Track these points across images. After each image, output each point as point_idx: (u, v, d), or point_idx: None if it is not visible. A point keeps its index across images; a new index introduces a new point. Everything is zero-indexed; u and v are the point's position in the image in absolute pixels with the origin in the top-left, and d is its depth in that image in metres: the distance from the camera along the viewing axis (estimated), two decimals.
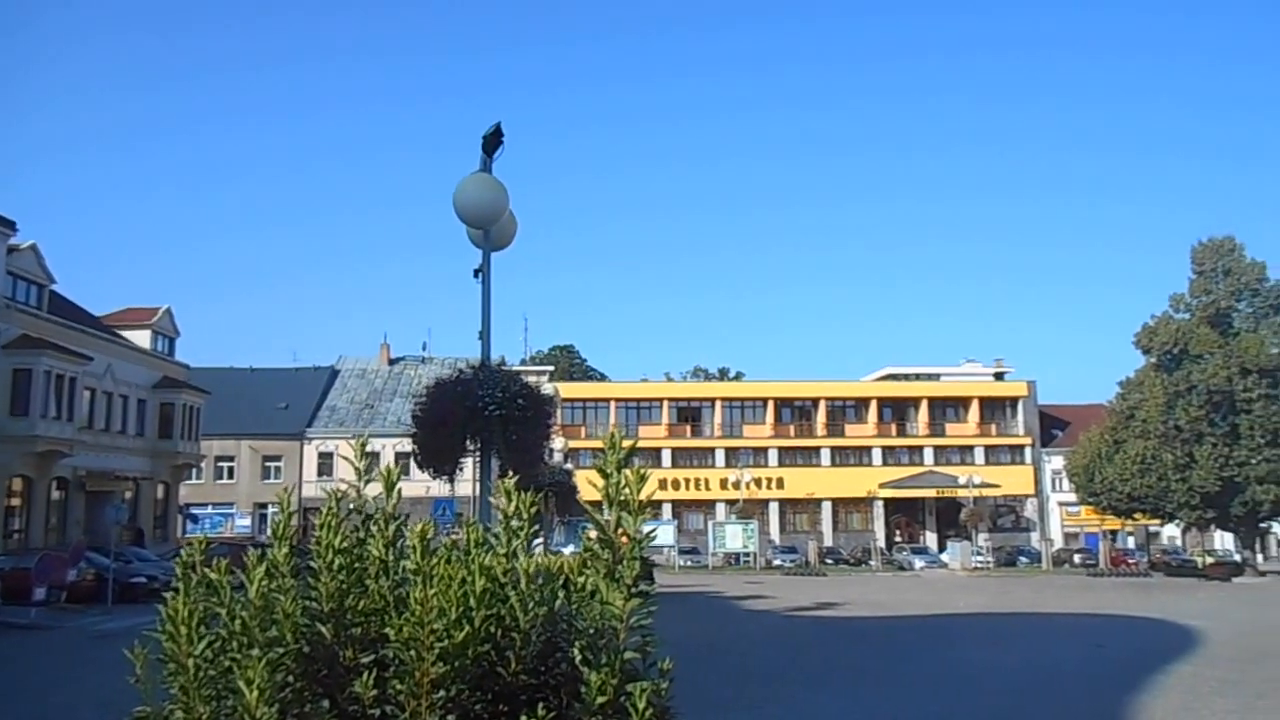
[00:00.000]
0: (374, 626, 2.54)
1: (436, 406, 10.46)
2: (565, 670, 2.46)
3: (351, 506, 2.84)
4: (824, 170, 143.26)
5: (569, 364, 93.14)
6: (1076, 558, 61.71)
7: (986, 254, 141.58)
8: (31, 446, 32.06)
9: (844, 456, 70.66)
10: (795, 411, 73.04)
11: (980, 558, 60.08)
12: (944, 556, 60.92)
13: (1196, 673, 15.15)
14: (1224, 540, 62.45)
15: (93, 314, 40.34)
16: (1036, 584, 44.57)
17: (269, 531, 2.71)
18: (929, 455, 70.85)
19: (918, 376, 76.60)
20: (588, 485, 3.96)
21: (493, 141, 9.82)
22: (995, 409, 73.76)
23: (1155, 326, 53.09)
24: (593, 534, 2.52)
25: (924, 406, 72.54)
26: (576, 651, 2.40)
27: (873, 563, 60.22)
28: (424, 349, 70.38)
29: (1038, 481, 70.93)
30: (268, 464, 60.85)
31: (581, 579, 2.56)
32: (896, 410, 73.59)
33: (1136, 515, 55.29)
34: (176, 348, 45.94)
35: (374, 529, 2.69)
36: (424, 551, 2.49)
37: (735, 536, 59.26)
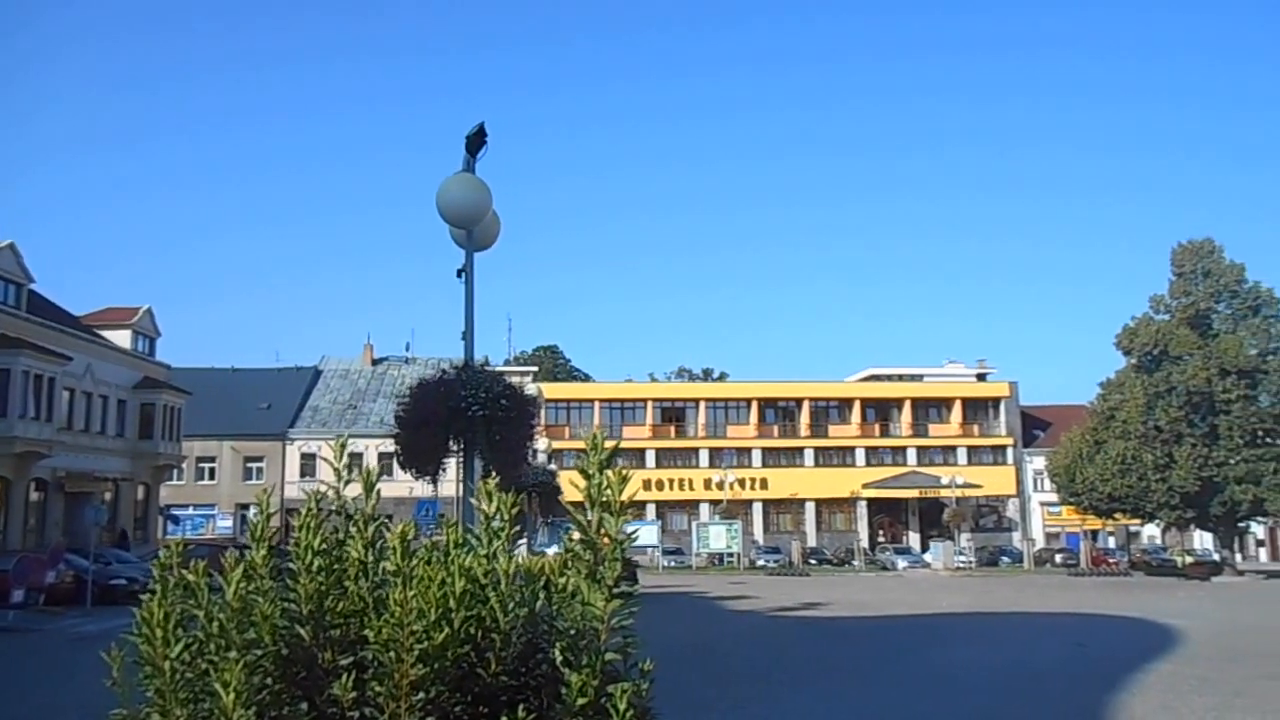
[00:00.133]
0: (353, 628, 2.52)
1: (419, 407, 10.44)
2: (546, 671, 2.45)
3: (332, 508, 2.82)
4: (808, 171, 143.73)
5: (553, 364, 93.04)
6: (1058, 557, 62.11)
7: (969, 255, 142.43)
8: (10, 447, 31.74)
9: (827, 457, 70.87)
10: (779, 412, 73.19)
11: (963, 558, 60.41)
12: (927, 556, 61.19)
13: (1176, 671, 15.27)
14: (1203, 540, 62.96)
15: (72, 314, 39.99)
16: (1018, 583, 44.82)
17: (248, 533, 2.69)
18: (912, 456, 71.15)
19: (901, 377, 76.91)
20: (571, 486, 3.95)
21: (476, 142, 9.81)
22: (978, 410, 74.15)
23: (1136, 328, 53.46)
24: (576, 535, 2.52)
25: (907, 407, 72.84)
26: (557, 652, 2.39)
27: (856, 563, 60.43)
28: (407, 349, 70.18)
29: (1019, 482, 71.35)
30: (249, 465, 60.49)
31: (563, 580, 2.56)
32: (880, 411, 73.84)
33: (1117, 515, 55.67)
34: (157, 348, 45.63)
35: (353, 530, 2.67)
36: (404, 553, 2.48)
37: (719, 537, 59.34)
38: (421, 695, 2.30)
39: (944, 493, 65.72)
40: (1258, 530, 68.23)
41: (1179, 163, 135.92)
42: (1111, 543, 67.23)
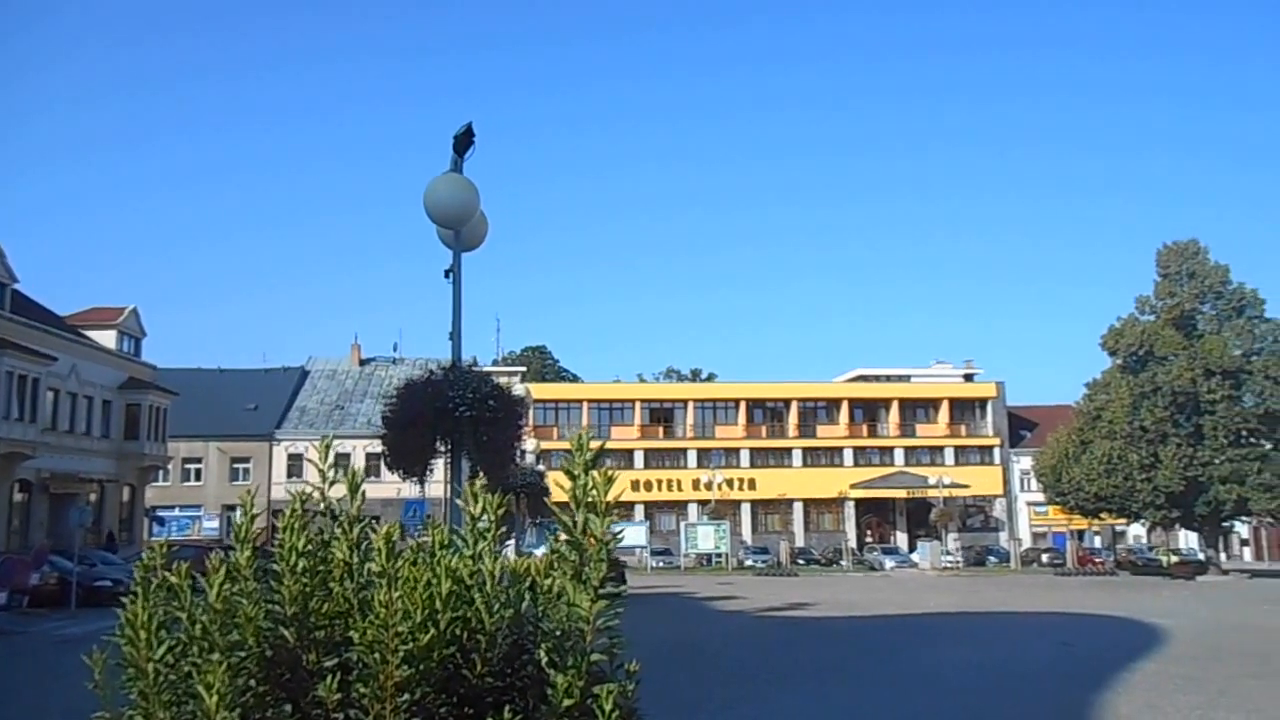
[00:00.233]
0: (338, 630, 2.51)
1: (406, 407, 10.42)
2: (532, 672, 2.45)
3: (318, 509, 2.80)
4: (797, 172, 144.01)
5: (541, 365, 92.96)
6: (1044, 557, 62.38)
7: (957, 256, 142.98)
8: None
9: (815, 457, 71.00)
10: (767, 412, 73.29)
11: (950, 557, 60.64)
12: (914, 556, 61.39)
13: (1161, 670, 15.35)
14: (1188, 539, 63.35)
15: (57, 314, 39.72)
16: (1005, 583, 44.99)
17: (233, 534, 2.67)
18: (899, 456, 71.37)
19: (888, 378, 77.15)
20: (559, 487, 3.94)
21: (464, 142, 9.79)
22: (965, 410, 74.43)
23: (1121, 328, 53.74)
24: (563, 536, 2.51)
25: (894, 407, 73.05)
26: (543, 653, 2.39)
27: (844, 563, 60.58)
28: (395, 350, 70.06)
29: (1006, 482, 71.64)
30: (236, 465, 60.20)
31: (548, 581, 2.55)
32: (867, 411, 74.04)
33: (1103, 515, 55.95)
34: (143, 348, 45.38)
35: (338, 531, 2.66)
36: (389, 554, 2.47)
37: (707, 537, 59.37)
38: (407, 697, 2.29)
39: (931, 493, 65.96)
40: (1242, 530, 68.74)
41: (1165, 164, 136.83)
42: (1097, 542, 67.59)
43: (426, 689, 2.32)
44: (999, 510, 72.15)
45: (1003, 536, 68.73)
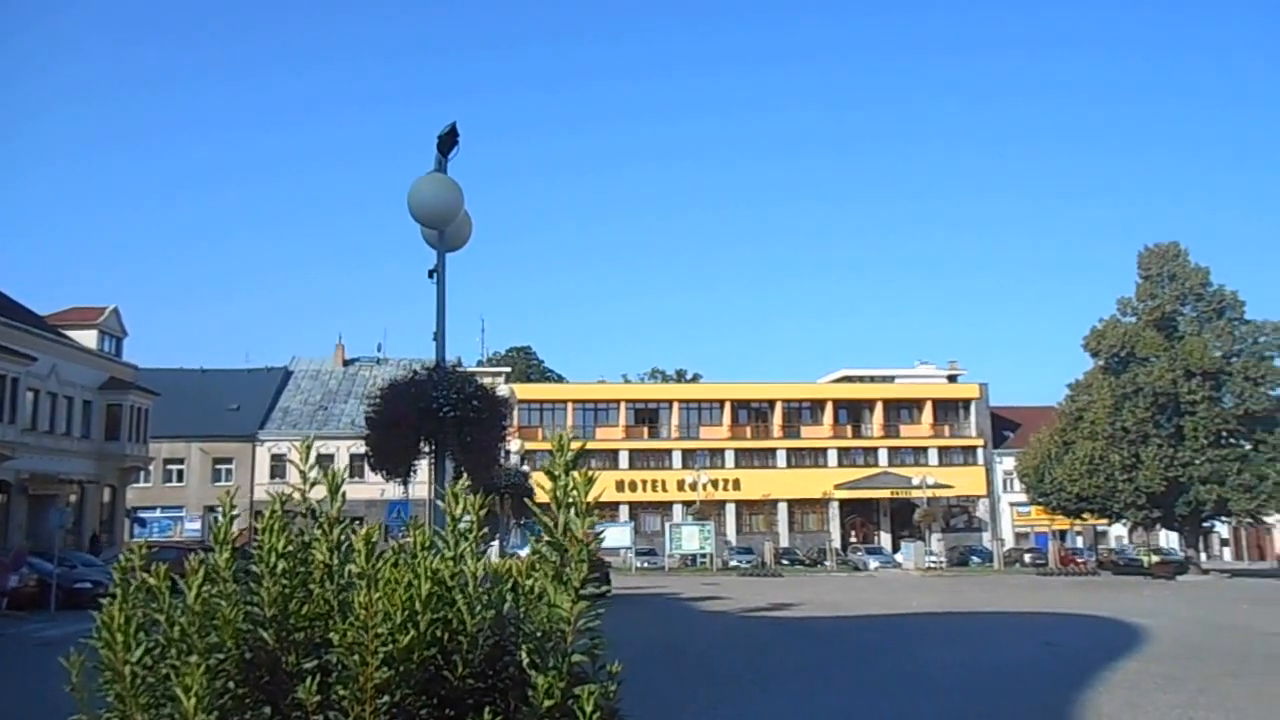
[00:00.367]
0: (318, 631, 2.50)
1: (390, 408, 10.38)
2: (513, 674, 2.44)
3: (299, 510, 2.79)
4: (782, 173, 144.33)
5: (526, 365, 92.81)
6: (1027, 557, 62.69)
7: (940, 257, 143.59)
8: None
9: (800, 458, 71.15)
10: (752, 413, 73.39)
11: (933, 558, 60.89)
12: (898, 557, 61.61)
13: (1142, 669, 15.45)
14: (1169, 539, 63.82)
15: (37, 313, 39.38)
16: (988, 583, 45.19)
17: (211, 535, 2.65)
18: (883, 456, 71.60)
19: (872, 379, 77.39)
20: (542, 488, 3.94)
21: (448, 142, 9.76)
22: (948, 411, 74.75)
23: (1103, 330, 54.08)
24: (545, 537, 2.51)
25: (879, 408, 73.29)
26: (524, 654, 2.38)
27: (828, 563, 60.73)
28: (379, 350, 69.85)
29: (989, 482, 71.99)
30: (218, 466, 59.84)
31: (530, 581, 2.55)
32: (852, 412, 74.25)
33: (1085, 515, 56.30)
34: (124, 348, 45.04)
35: (318, 532, 2.65)
36: (369, 555, 2.46)
37: (692, 538, 59.40)
38: (387, 698, 2.29)
39: (915, 493, 66.21)
40: (1222, 530, 69.24)
41: (1148, 165, 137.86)
42: (1079, 542, 67.98)
43: (407, 690, 2.32)
44: (982, 511, 72.49)
45: (986, 537, 69.06)
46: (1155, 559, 54.70)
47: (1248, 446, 50.60)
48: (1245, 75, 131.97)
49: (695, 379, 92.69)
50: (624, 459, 68.56)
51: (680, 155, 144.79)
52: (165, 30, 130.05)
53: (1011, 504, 71.20)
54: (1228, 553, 74.08)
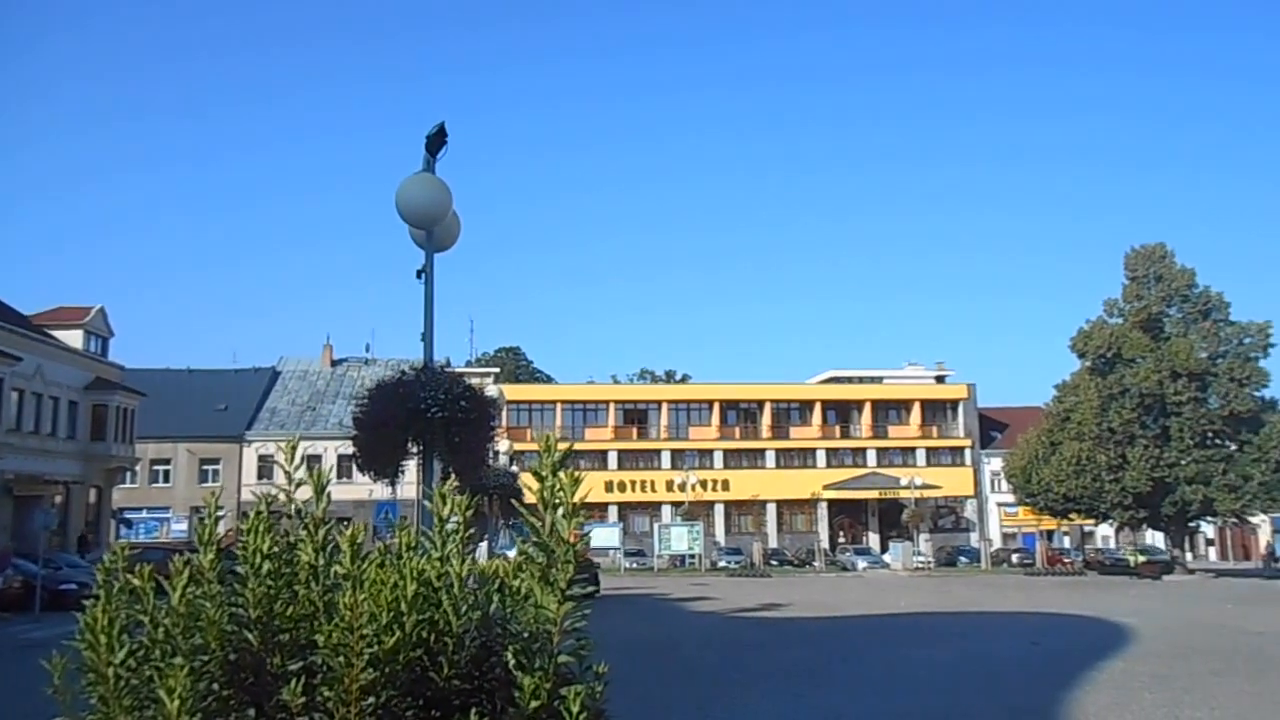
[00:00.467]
0: (303, 633, 2.49)
1: (377, 408, 10.33)
2: (499, 675, 2.44)
3: (284, 510, 2.78)
4: (770, 177, 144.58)
5: (515, 366, 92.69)
6: (1014, 557, 62.96)
7: (928, 259, 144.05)
8: None
9: (788, 458, 71.27)
10: (741, 414, 73.47)
11: (921, 558, 61.06)
12: (886, 557, 61.75)
13: (1128, 668, 15.52)
14: (1155, 539, 64.16)
15: (22, 313, 39.14)
16: (975, 583, 45.32)
17: (195, 536, 2.64)
18: (872, 457, 71.77)
19: (861, 379, 77.58)
20: (530, 489, 3.93)
21: (436, 141, 9.72)
22: (936, 411, 74.97)
23: (1090, 331, 54.30)
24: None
25: (867, 409, 73.46)
26: (510, 656, 2.38)
27: (816, 564, 60.80)
28: (368, 350, 69.73)
29: (977, 483, 72.25)
30: (205, 467, 59.60)
31: (516, 582, 2.54)
32: (840, 412, 74.40)
33: (1072, 515, 56.52)
34: (110, 348, 44.81)
35: (304, 533, 2.64)
36: (354, 556, 2.45)
37: (681, 538, 59.37)
38: (372, 700, 2.28)
39: (903, 494, 66.39)
40: (1207, 530, 69.64)
41: (1135, 170, 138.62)
42: (1066, 543, 68.28)
43: (392, 692, 2.31)
44: (970, 511, 72.73)
45: (973, 537, 69.28)
46: (1141, 559, 54.99)
47: (1233, 447, 50.88)
48: (1229, 85, 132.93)
49: (684, 380, 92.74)
50: (613, 459, 68.59)
51: (669, 157, 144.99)
52: (133, 15, 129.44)
53: (999, 504, 71.47)
54: (1213, 552, 74.53)
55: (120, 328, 48.33)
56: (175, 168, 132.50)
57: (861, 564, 58.76)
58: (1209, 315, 52.21)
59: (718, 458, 70.31)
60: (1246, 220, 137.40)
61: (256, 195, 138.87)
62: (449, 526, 2.64)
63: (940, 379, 77.59)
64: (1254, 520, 58.28)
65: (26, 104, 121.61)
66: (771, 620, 25.76)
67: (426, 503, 2.72)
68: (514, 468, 38.92)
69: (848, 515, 71.94)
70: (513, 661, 2.35)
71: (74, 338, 41.47)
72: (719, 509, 69.24)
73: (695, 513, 64.47)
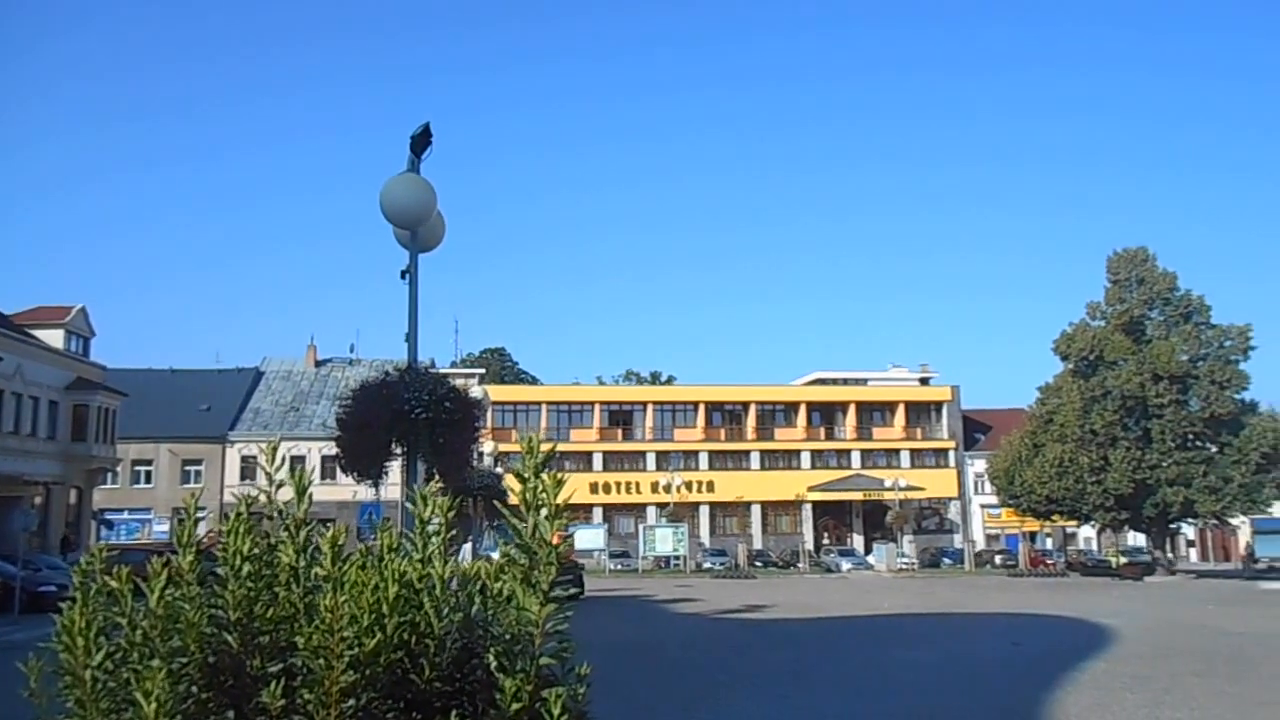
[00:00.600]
0: (283, 635, 2.47)
1: (361, 409, 10.30)
2: (481, 677, 2.43)
3: (266, 512, 2.76)
4: (754, 179, 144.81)
5: (500, 367, 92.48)
6: (997, 558, 63.23)
7: (913, 261, 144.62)
8: None
9: (773, 460, 71.38)
10: (726, 415, 73.51)
11: (905, 559, 61.27)
12: (870, 558, 61.93)
13: (1109, 669, 15.63)
14: (1137, 541, 64.59)
15: (2, 312, 38.81)
16: (959, 584, 45.53)
17: (173, 537, 2.62)
18: (856, 458, 71.94)
19: (846, 381, 77.75)
20: (514, 491, 3.92)
21: (421, 142, 9.69)
22: (920, 413, 75.24)
23: (1073, 333, 54.65)
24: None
25: (852, 411, 73.63)
26: (492, 658, 2.37)
27: (801, 565, 60.90)
28: (352, 351, 69.41)
29: (961, 484, 72.54)
30: (188, 468, 59.20)
31: (498, 584, 2.53)
32: (825, 414, 74.56)
33: (1054, 517, 56.86)
34: (92, 348, 44.46)
35: (285, 534, 2.62)
36: (336, 557, 2.44)
37: (665, 540, 59.35)
38: (352, 702, 2.26)
39: (887, 495, 66.60)
40: (1188, 531, 70.12)
41: (1118, 172, 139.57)
42: (1049, 544, 68.69)
43: (373, 694, 2.30)
44: (954, 512, 73.03)
45: (957, 538, 69.56)
46: (1123, 560, 55.38)
47: (1213, 449, 51.31)
48: (1214, 85, 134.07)
49: (670, 381, 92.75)
50: (598, 461, 68.54)
51: (659, 160, 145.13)
52: (103, 15, 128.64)
53: (982, 506, 71.78)
54: (1194, 554, 75.07)
55: (102, 328, 48.03)
56: (159, 169, 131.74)
57: (846, 565, 58.90)
58: (1190, 318, 52.64)
59: (703, 459, 70.35)
60: (1229, 222, 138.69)
61: (240, 195, 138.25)
62: (431, 528, 2.63)
63: (924, 381, 77.89)
64: (1234, 522, 58.76)
65: (14, 107, 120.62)
66: (756, 622, 25.80)
67: (409, 504, 2.70)
68: (499, 469, 38.85)
69: (832, 517, 72.09)
70: (494, 663, 2.34)
71: (55, 337, 41.14)
72: (704, 510, 69.27)
73: (680, 514, 64.48)
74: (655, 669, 15.67)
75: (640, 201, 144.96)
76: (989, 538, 71.29)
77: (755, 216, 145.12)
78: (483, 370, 75.72)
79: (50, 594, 26.29)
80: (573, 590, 2.55)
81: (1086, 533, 69.69)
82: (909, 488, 66.91)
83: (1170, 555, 57.65)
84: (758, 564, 60.76)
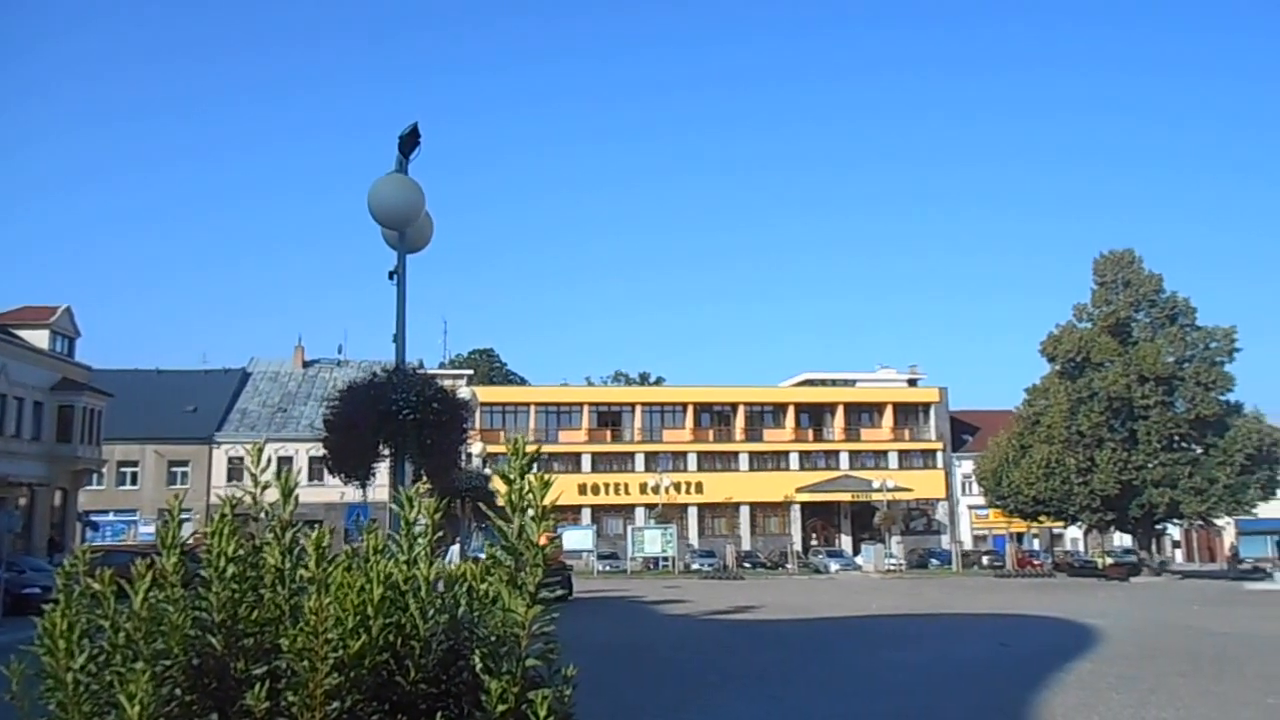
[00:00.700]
0: (268, 637, 2.46)
1: (349, 410, 10.27)
2: (466, 678, 2.42)
3: (251, 513, 2.75)
4: (743, 181, 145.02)
5: (489, 367, 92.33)
6: (985, 559, 63.43)
7: (901, 262, 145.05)
8: None
9: (762, 461, 71.48)
10: (714, 416, 73.56)
11: (893, 560, 61.38)
12: (858, 559, 62.03)
13: (1095, 669, 15.69)
14: (1123, 542, 64.91)
15: None
16: (946, 585, 45.64)
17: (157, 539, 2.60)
18: (844, 460, 72.10)
19: (834, 382, 77.93)
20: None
21: (409, 142, 9.67)
22: (908, 414, 75.47)
23: (1060, 335, 54.90)
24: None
25: (840, 412, 73.79)
26: (478, 659, 2.36)
27: (789, 566, 60.99)
28: (340, 351, 69.24)
29: (948, 485, 72.78)
30: (174, 469, 58.91)
31: (484, 586, 2.53)
32: (813, 415, 74.70)
33: (1041, 518, 57.08)
34: (77, 348, 44.20)
35: (270, 536, 2.61)
36: (321, 559, 2.43)
37: (654, 541, 59.38)
38: (337, 704, 2.26)
39: (875, 496, 66.78)
40: (1174, 532, 70.50)
41: (1105, 174, 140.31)
42: (1036, 545, 68.97)
43: (357, 696, 2.29)
44: (941, 513, 73.26)
45: (945, 539, 69.81)
46: (1109, 561, 55.65)
47: (1199, 450, 51.59)
48: (1203, 85, 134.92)
49: (658, 382, 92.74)
50: (586, 462, 68.49)
51: (647, 160, 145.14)
52: (84, 17, 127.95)
53: (970, 507, 72.02)
54: (1180, 555, 75.47)
55: (88, 328, 47.81)
56: (145, 170, 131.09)
57: (834, 566, 58.99)
58: (1176, 320, 52.93)
59: (691, 460, 70.39)
60: (1216, 223, 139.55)
61: (227, 196, 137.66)
62: (417, 529, 2.62)
63: (912, 382, 78.15)
64: (1219, 522, 59.14)
65: (23, 105, 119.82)
66: (744, 622, 25.81)
67: (395, 506, 2.70)
68: (487, 470, 38.78)
69: (820, 518, 72.22)
70: (480, 665, 2.34)
71: (40, 338, 40.88)
72: (692, 511, 69.30)
73: (669, 515, 64.50)
74: (643, 670, 15.66)
75: (629, 203, 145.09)
76: (976, 539, 71.55)
77: (744, 218, 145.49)
78: (471, 371, 75.61)
79: (34, 596, 26.07)
80: (560, 591, 2.55)
81: (1073, 534, 70.04)
82: (897, 489, 67.08)
83: (1156, 556, 58.00)
84: (746, 565, 60.81)
